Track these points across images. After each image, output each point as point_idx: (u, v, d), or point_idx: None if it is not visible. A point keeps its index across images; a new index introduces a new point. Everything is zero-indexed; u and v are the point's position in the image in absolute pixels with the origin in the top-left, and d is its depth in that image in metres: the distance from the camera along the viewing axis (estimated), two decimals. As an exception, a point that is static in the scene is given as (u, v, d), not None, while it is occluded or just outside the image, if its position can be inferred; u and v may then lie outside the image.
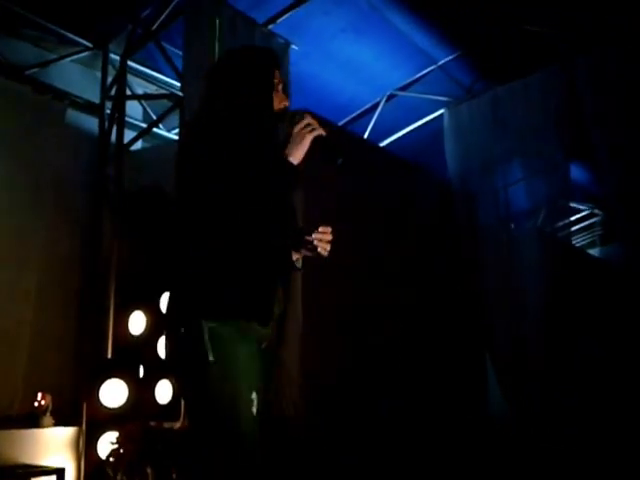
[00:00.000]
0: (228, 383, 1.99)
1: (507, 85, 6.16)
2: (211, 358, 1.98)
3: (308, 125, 2.13)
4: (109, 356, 4.74)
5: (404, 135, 6.84)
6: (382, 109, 6.62)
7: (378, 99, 6.62)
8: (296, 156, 2.10)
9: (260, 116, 2.22)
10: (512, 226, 6.43)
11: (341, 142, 2.19)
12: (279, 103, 2.26)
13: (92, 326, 4.91)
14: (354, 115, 6.72)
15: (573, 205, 8.95)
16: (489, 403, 6.27)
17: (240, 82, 2.25)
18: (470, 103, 6.39)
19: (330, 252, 2.26)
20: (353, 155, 5.26)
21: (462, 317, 6.03)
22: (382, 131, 6.78)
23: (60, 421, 4.09)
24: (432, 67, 6.33)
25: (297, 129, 2.13)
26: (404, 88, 6.55)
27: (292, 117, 2.18)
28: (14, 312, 4.53)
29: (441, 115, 6.57)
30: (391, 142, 6.87)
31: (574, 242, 9.72)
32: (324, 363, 4.72)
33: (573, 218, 9.33)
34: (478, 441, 5.50)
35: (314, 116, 2.19)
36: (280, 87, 2.29)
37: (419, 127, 6.81)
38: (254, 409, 1.98)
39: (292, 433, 4.39)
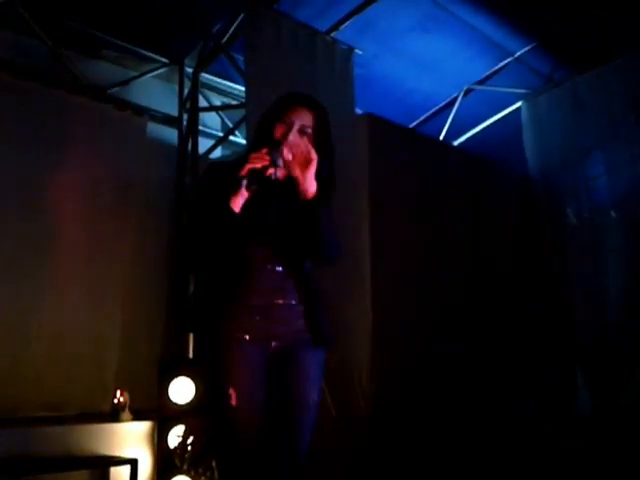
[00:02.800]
0: (212, 381, 2.41)
1: (585, 74, 6.03)
2: (207, 362, 2.44)
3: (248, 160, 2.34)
4: (190, 355, 5.07)
5: (484, 130, 6.82)
6: (460, 104, 6.64)
7: (455, 94, 6.65)
8: (234, 195, 2.33)
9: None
10: (596, 220, 6.24)
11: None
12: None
13: (175, 326, 5.25)
14: (432, 112, 6.77)
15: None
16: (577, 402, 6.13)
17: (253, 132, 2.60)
18: (549, 94, 6.29)
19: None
20: (422, 156, 5.39)
21: (544, 317, 5.94)
22: (461, 126, 6.80)
23: (139, 416, 4.42)
24: (509, 59, 6.30)
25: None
26: (482, 82, 6.53)
27: None
28: (105, 314, 4.87)
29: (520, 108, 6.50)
30: (470, 137, 6.86)
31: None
32: (394, 357, 4.81)
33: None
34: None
35: (268, 151, 2.36)
36: (292, 124, 2.43)
37: (499, 121, 6.76)
38: (232, 401, 2.30)
39: (361, 428, 4.52)
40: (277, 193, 2.44)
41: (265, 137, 2.44)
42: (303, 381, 2.45)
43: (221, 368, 2.34)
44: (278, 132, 2.43)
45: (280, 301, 2.42)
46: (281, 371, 2.43)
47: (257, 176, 2.31)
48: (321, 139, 2.48)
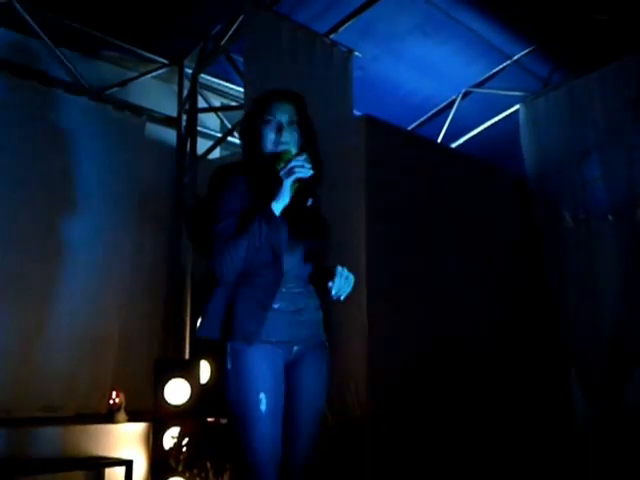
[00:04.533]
0: (239, 385, 2.33)
1: (582, 78, 6.03)
2: (229, 367, 2.35)
3: (291, 168, 2.34)
4: (187, 356, 5.08)
5: (482, 132, 6.84)
6: (458, 106, 6.65)
7: (453, 97, 6.66)
8: (277, 201, 2.34)
9: (248, 166, 2.49)
10: (593, 224, 6.23)
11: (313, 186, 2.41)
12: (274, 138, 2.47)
13: (174, 328, 5.26)
14: (430, 114, 6.78)
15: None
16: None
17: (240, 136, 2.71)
18: (546, 97, 6.28)
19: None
20: (421, 158, 5.38)
21: (540, 319, 5.94)
22: (459, 129, 6.81)
23: (135, 417, 4.43)
24: (507, 62, 6.31)
25: (281, 173, 2.36)
26: (480, 84, 6.54)
27: (284, 157, 2.42)
28: (103, 316, 4.89)
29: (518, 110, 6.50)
30: (468, 139, 6.87)
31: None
32: (390, 363, 4.80)
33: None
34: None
35: (305, 157, 2.39)
36: (281, 121, 2.47)
37: (497, 123, 6.78)
38: (262, 407, 2.29)
39: (357, 433, 4.52)
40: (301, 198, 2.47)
41: (257, 142, 2.47)
42: (313, 388, 2.51)
43: (249, 373, 2.32)
44: (270, 133, 2.46)
45: (303, 306, 2.46)
46: (295, 376, 2.47)
47: (306, 185, 2.38)
48: (305, 128, 2.53)
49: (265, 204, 2.33)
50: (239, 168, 2.50)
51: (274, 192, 2.34)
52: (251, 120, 2.53)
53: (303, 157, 2.37)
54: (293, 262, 2.45)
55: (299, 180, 2.35)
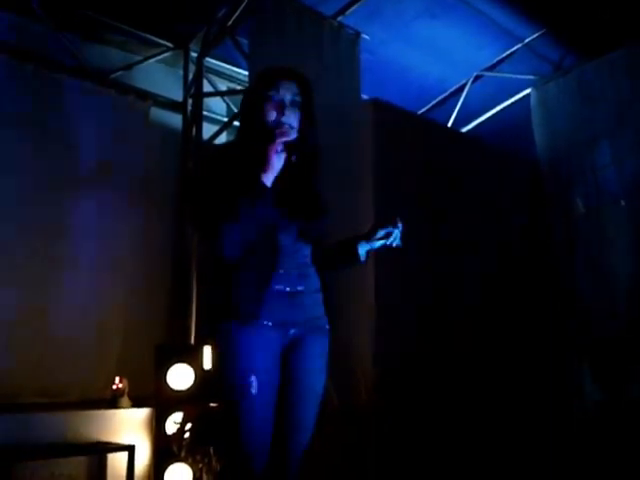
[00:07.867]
0: (230, 367, 2.29)
1: (593, 61, 5.95)
2: (222, 349, 2.33)
3: (274, 135, 2.27)
4: (192, 341, 5.05)
5: (493, 116, 6.75)
6: (469, 90, 6.56)
7: (464, 81, 6.57)
8: (266, 172, 2.26)
9: (243, 140, 2.43)
10: (605, 210, 6.14)
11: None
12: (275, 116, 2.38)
13: (179, 313, 5.23)
14: (440, 98, 6.70)
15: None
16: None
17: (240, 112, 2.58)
18: (557, 81, 6.20)
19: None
20: (430, 142, 5.31)
21: (551, 305, 5.87)
22: (470, 113, 6.72)
23: (138, 403, 4.40)
24: (518, 45, 6.22)
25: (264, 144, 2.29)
26: (491, 68, 6.46)
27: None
28: (108, 300, 4.87)
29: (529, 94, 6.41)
30: (479, 124, 6.79)
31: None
32: (396, 349, 4.76)
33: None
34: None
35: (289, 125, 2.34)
36: (284, 99, 2.38)
37: (508, 107, 6.69)
38: (253, 390, 2.23)
39: (363, 419, 4.48)
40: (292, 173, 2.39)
41: (257, 118, 2.38)
42: (312, 372, 2.44)
43: (241, 354, 2.27)
44: (272, 111, 2.36)
45: (301, 288, 2.39)
46: (293, 360, 2.40)
47: (294, 148, 2.30)
48: (306, 111, 2.43)
49: (255, 178, 2.25)
50: (229, 150, 2.46)
51: (262, 165, 2.27)
52: (253, 95, 2.44)
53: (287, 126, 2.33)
54: (288, 242, 2.38)
55: (287, 146, 2.27)
